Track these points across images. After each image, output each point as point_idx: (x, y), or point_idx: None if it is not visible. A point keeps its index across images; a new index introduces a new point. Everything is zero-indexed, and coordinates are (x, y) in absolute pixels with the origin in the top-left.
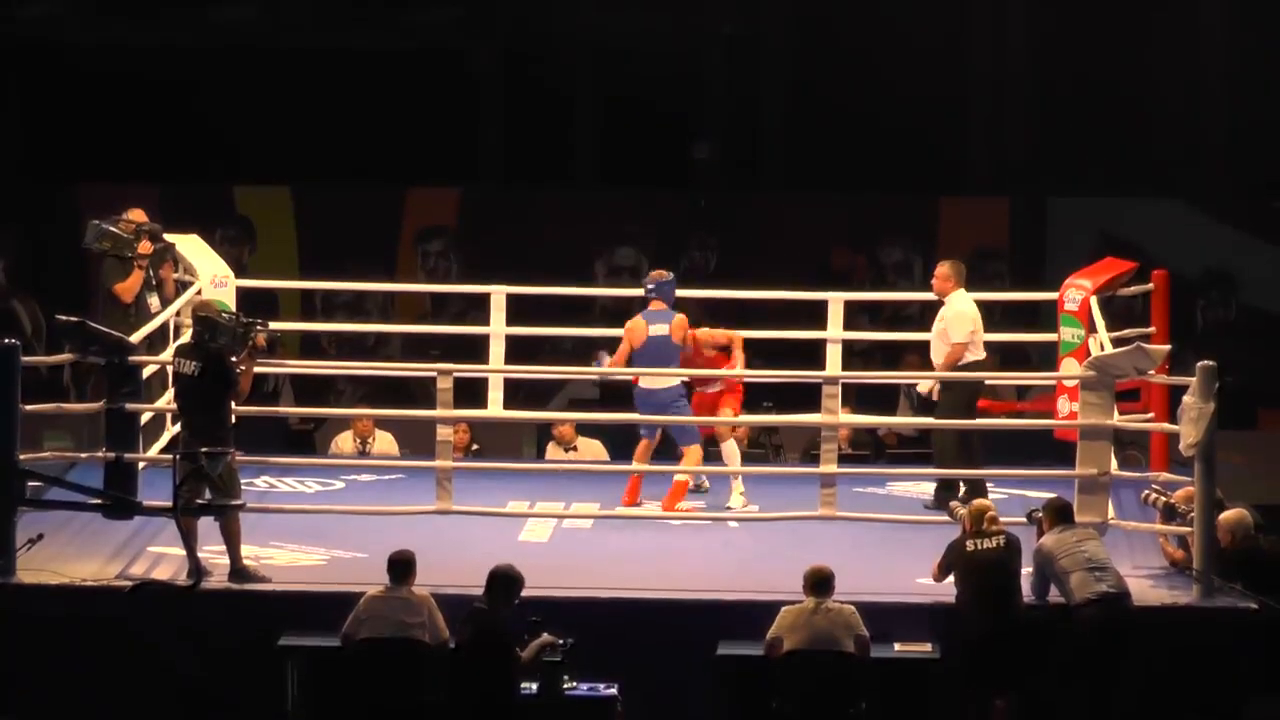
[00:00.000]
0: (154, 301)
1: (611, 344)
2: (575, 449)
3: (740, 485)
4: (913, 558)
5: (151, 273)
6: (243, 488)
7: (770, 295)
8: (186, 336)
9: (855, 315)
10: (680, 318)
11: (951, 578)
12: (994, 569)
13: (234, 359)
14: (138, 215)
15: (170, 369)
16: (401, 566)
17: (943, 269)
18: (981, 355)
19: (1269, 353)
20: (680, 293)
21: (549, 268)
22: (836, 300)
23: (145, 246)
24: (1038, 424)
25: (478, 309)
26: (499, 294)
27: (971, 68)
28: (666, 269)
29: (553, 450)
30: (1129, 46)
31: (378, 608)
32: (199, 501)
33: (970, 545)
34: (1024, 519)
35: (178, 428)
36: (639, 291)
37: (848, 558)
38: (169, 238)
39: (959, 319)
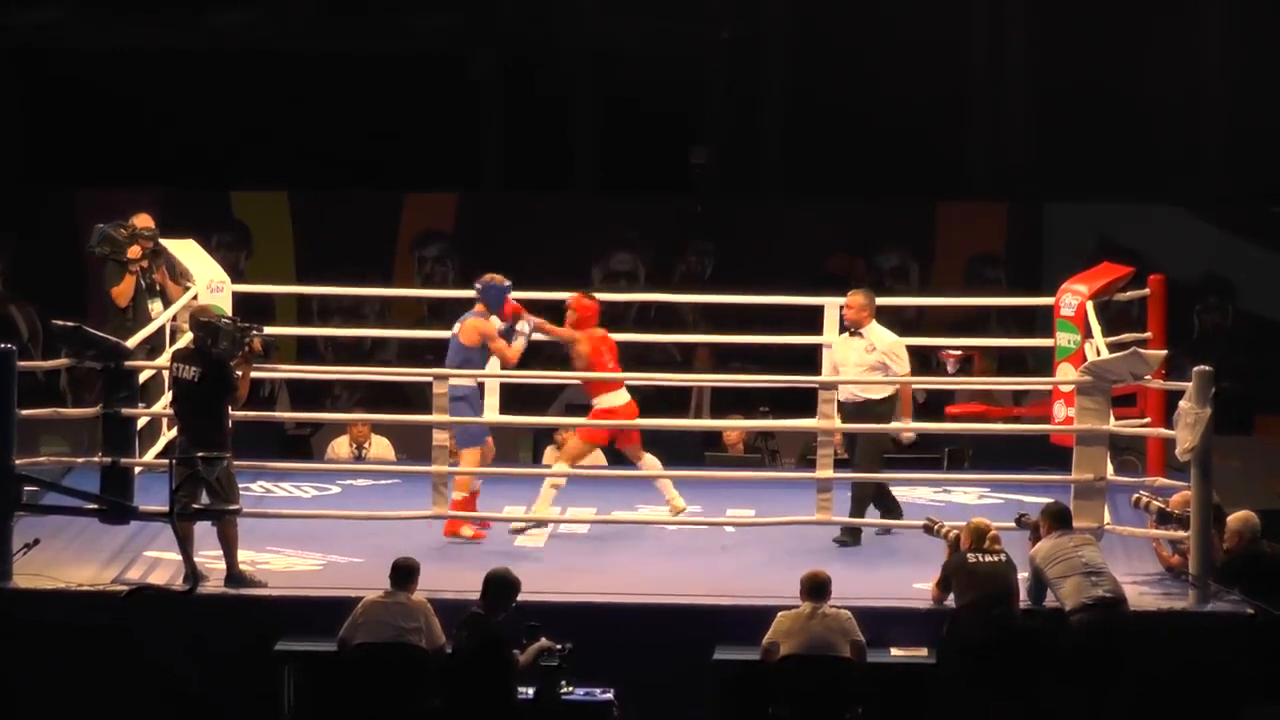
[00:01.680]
0: (156, 307)
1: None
2: None
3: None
4: (909, 563)
5: (153, 278)
6: (240, 493)
7: (767, 300)
8: (182, 341)
9: None
10: (472, 321)
11: (951, 593)
12: (995, 579)
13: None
14: (143, 220)
15: (167, 374)
16: (404, 573)
17: (858, 299)
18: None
19: (1266, 358)
20: (677, 298)
21: (546, 273)
22: (833, 305)
23: (135, 251)
24: (1034, 429)
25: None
26: None
27: (970, 73)
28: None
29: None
30: (1128, 51)
31: (376, 613)
32: (195, 506)
33: (972, 558)
34: (1013, 524)
35: (174, 432)
36: (636, 296)
37: (844, 563)
38: (166, 243)
39: (898, 348)
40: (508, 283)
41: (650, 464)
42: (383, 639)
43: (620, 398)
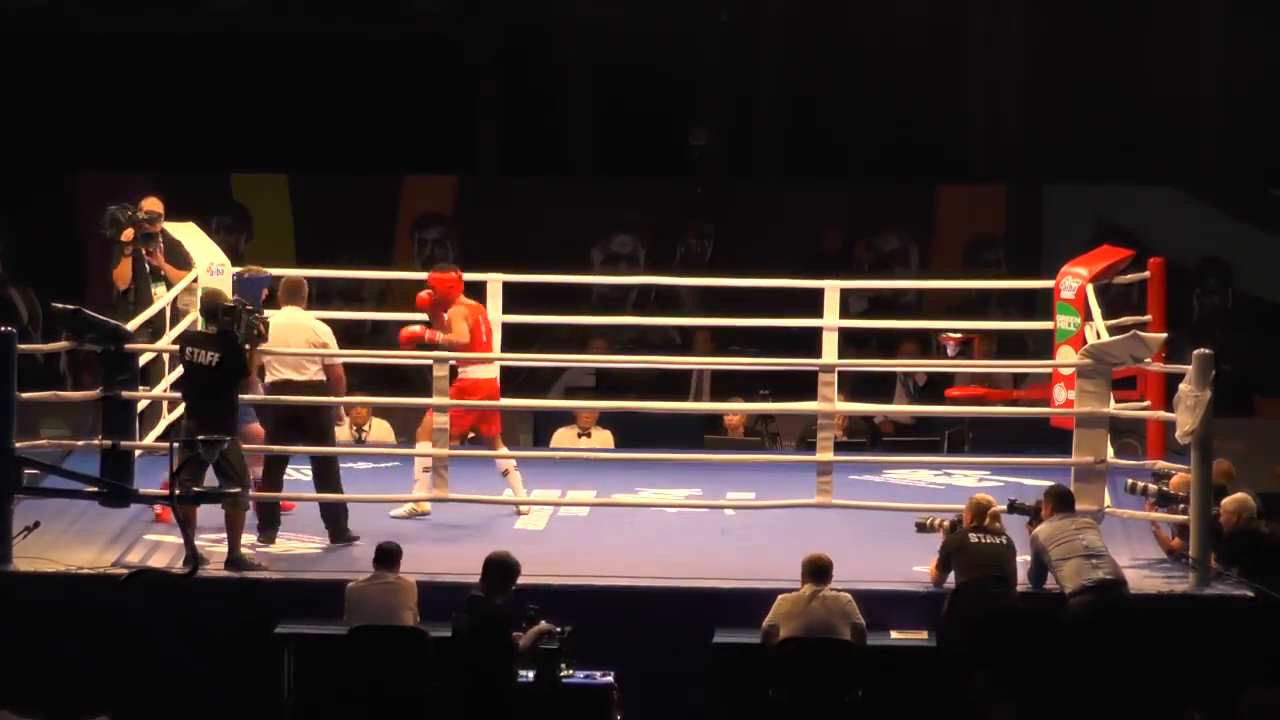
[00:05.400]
0: (159, 290)
1: (605, 331)
2: (589, 436)
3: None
4: (909, 546)
5: (151, 262)
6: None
7: (766, 283)
8: (184, 324)
9: (856, 300)
10: None
11: (951, 573)
12: (995, 560)
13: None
14: (151, 204)
15: (168, 357)
16: (388, 555)
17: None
18: (287, 375)
19: (1266, 341)
20: (676, 281)
21: (545, 255)
22: (833, 288)
23: (128, 234)
24: (1034, 412)
25: (475, 297)
26: (495, 282)
27: (969, 54)
28: (450, 266)
29: (565, 434)
30: (1126, 33)
31: (366, 596)
32: (195, 489)
33: (973, 538)
34: (1005, 508)
35: (175, 415)
36: (636, 279)
37: (844, 546)
38: (166, 226)
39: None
40: (267, 273)
41: (493, 456)
42: (379, 621)
43: (488, 371)
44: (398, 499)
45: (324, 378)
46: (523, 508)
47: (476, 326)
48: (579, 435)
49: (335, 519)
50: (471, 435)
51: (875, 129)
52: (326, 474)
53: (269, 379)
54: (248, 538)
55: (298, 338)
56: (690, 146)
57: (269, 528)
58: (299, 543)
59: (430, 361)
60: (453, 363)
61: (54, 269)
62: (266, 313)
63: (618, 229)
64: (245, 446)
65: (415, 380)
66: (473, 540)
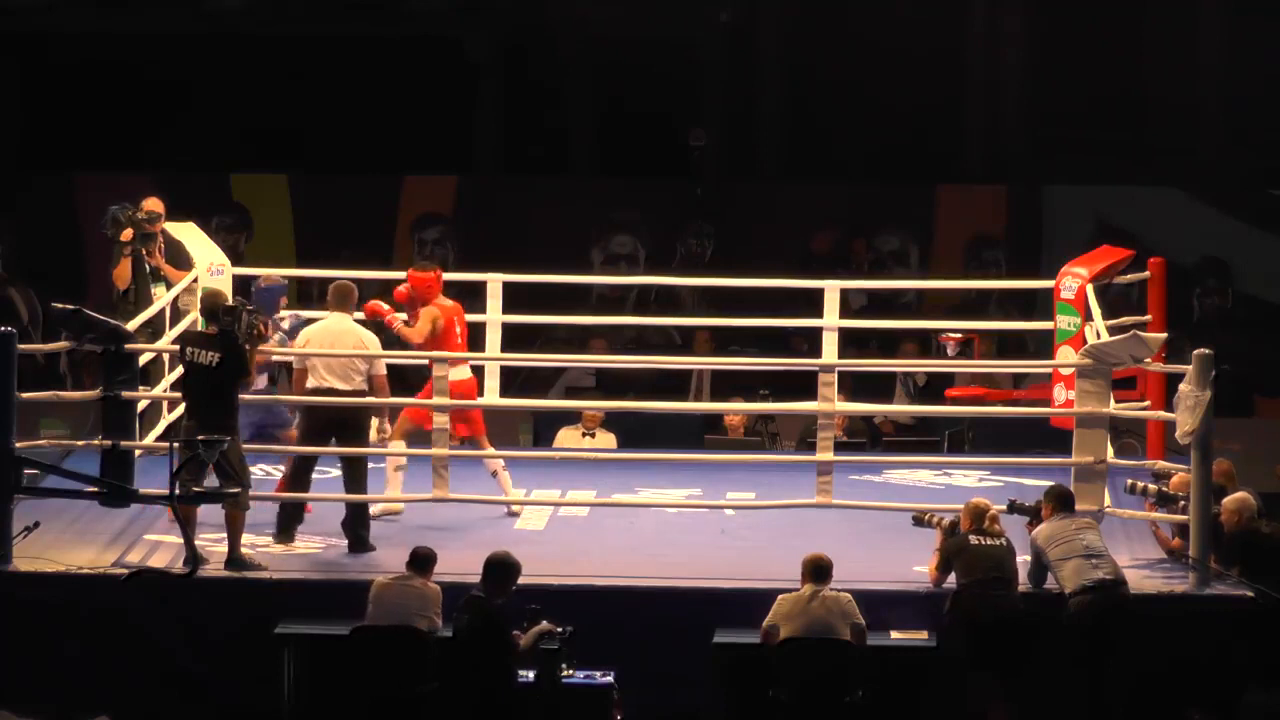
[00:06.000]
0: (159, 290)
1: (604, 331)
2: (593, 437)
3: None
4: (909, 546)
5: (150, 263)
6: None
7: (766, 283)
8: (184, 324)
9: (855, 299)
10: None
11: (951, 574)
12: (995, 561)
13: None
14: (152, 204)
15: (168, 357)
16: (420, 560)
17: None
18: (333, 383)
19: (1265, 341)
20: (676, 281)
21: (545, 255)
22: (833, 288)
23: (126, 234)
24: (1034, 412)
25: (474, 297)
26: (495, 282)
27: (968, 55)
28: (429, 267)
29: (569, 435)
30: (1126, 34)
31: (386, 595)
32: (196, 489)
33: (974, 540)
34: (1004, 509)
35: (176, 415)
36: (636, 279)
37: (844, 546)
38: (167, 226)
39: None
40: (284, 282)
41: (491, 456)
42: (388, 622)
43: (462, 373)
44: (401, 499)
45: (368, 388)
46: (516, 507)
47: (449, 328)
48: (583, 435)
49: (356, 528)
50: (465, 438)
51: (875, 129)
52: (356, 486)
53: (310, 384)
54: (257, 538)
55: (343, 345)
56: (690, 146)
57: (288, 528)
58: (301, 543)
59: (429, 361)
60: (425, 364)
61: (54, 269)
62: (306, 315)
63: (618, 229)
64: (273, 449)
65: (413, 379)
66: (472, 540)
